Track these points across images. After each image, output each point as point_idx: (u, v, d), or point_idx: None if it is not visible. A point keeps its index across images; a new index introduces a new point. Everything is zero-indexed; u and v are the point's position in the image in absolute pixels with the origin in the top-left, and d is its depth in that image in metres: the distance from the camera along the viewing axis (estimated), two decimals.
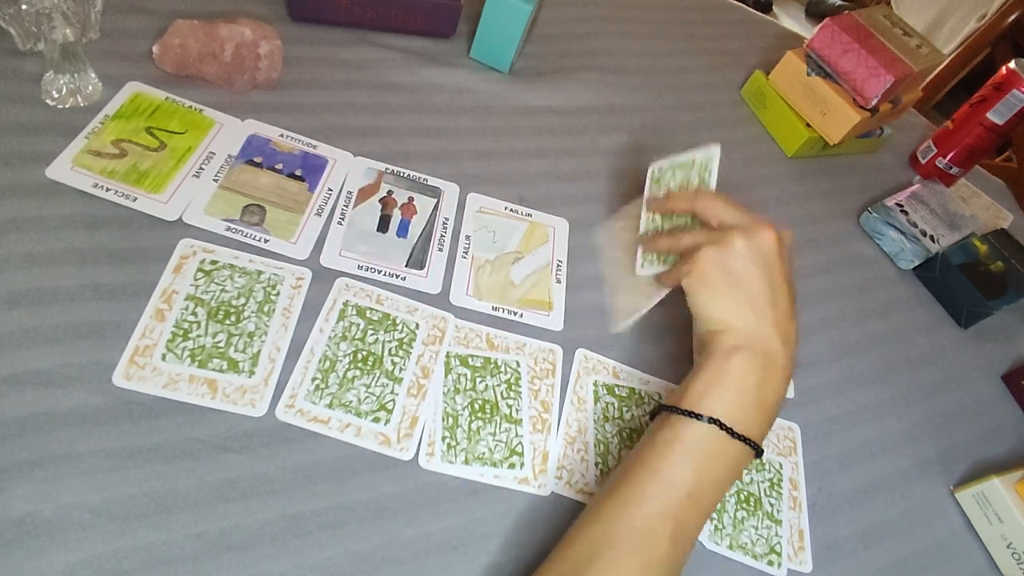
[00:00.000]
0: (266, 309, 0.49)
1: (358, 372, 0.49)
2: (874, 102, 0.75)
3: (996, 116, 0.79)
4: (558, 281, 0.60)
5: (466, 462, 0.48)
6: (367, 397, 0.48)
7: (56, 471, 0.39)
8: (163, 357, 0.45)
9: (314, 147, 0.60)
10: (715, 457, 0.42)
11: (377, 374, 0.49)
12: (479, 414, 0.50)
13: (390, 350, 0.51)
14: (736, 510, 0.52)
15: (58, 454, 0.40)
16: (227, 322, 0.48)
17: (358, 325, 0.51)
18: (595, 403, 0.54)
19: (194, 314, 0.48)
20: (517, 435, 0.50)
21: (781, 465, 0.56)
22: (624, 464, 0.44)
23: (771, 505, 0.53)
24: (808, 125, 0.79)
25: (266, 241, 0.53)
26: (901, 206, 0.77)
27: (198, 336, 0.47)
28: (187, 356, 0.46)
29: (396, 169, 0.61)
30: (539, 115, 0.72)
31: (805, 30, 2.35)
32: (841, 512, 0.55)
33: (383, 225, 0.57)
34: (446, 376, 0.51)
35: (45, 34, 0.50)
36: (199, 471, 0.42)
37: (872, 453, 0.60)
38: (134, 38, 0.60)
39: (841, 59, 0.75)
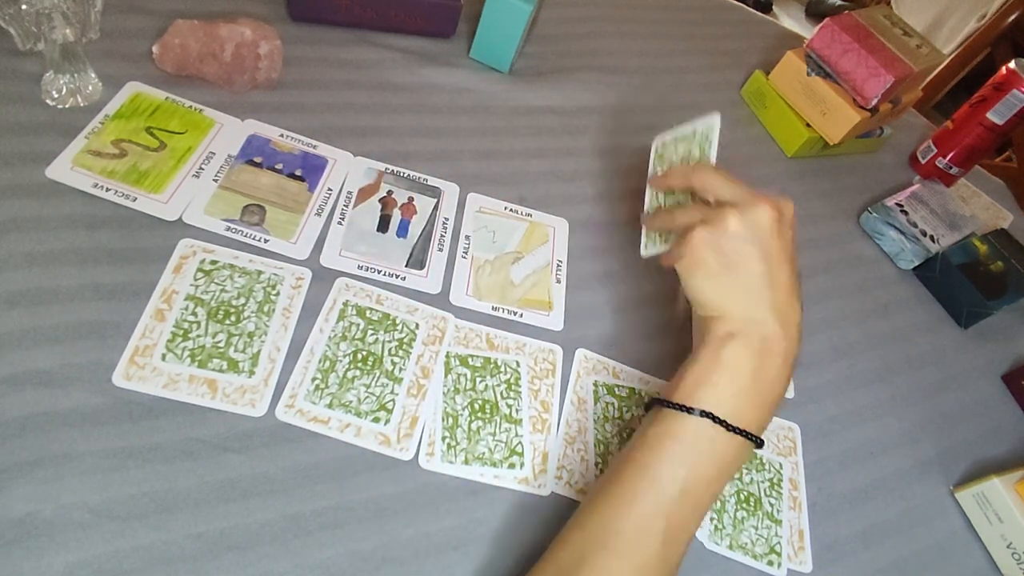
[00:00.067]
0: (266, 309, 0.49)
1: (358, 372, 0.49)
2: (874, 102, 0.75)
3: (996, 116, 0.79)
4: (558, 281, 0.60)
5: (466, 462, 0.48)
6: (367, 397, 0.48)
7: (56, 471, 0.39)
8: (163, 357, 0.45)
9: (314, 147, 0.60)
10: (709, 452, 0.41)
11: (377, 374, 0.49)
12: (479, 414, 0.50)
13: (390, 350, 0.51)
14: (736, 510, 0.52)
15: (58, 454, 0.40)
16: (227, 322, 0.48)
17: (358, 325, 0.51)
18: (595, 403, 0.54)
19: (194, 314, 0.48)
20: (517, 435, 0.50)
21: (781, 465, 0.56)
22: (616, 462, 0.43)
23: (771, 505, 0.53)
24: (808, 125, 0.79)
25: (266, 241, 0.53)
26: (901, 206, 0.77)
27: (198, 336, 0.47)
28: (187, 356, 0.46)
29: (396, 169, 0.61)
30: (539, 115, 0.72)
31: (805, 30, 2.35)
32: (841, 512, 0.55)
33: (383, 225, 0.57)
34: (446, 376, 0.51)
35: (45, 34, 0.50)
36: (199, 471, 0.42)
37: (872, 453, 0.60)
38: (134, 38, 0.60)
39: (841, 59, 0.75)
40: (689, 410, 0.41)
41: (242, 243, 0.52)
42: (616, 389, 0.55)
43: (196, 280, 0.49)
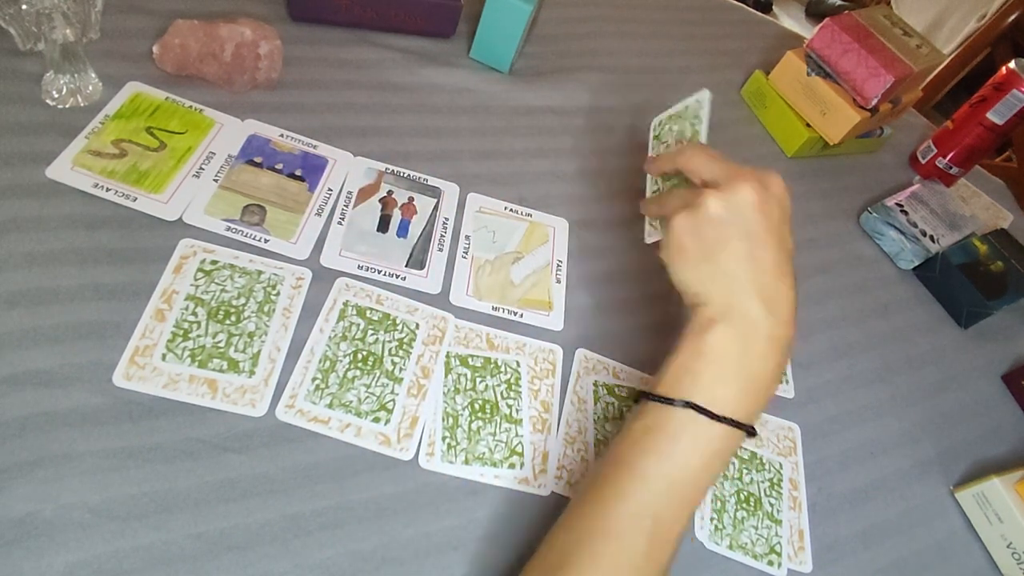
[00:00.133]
0: (266, 309, 0.49)
1: (358, 372, 0.49)
2: (874, 102, 0.75)
3: (996, 116, 0.79)
4: (558, 281, 0.60)
5: (466, 462, 0.48)
6: (367, 397, 0.48)
7: (56, 471, 0.39)
8: (163, 357, 0.45)
9: (314, 147, 0.60)
10: (695, 444, 0.39)
11: (377, 374, 0.49)
12: (479, 414, 0.50)
13: (390, 350, 0.51)
14: (736, 510, 0.52)
15: (58, 454, 0.40)
16: (227, 322, 0.48)
17: (358, 325, 0.51)
18: (595, 403, 0.54)
19: (194, 314, 0.48)
20: (517, 435, 0.50)
21: (781, 465, 0.56)
22: (601, 460, 0.42)
23: (771, 505, 0.53)
24: (808, 125, 0.79)
25: (266, 241, 0.53)
26: (901, 206, 0.77)
27: (198, 336, 0.47)
28: (187, 356, 0.46)
29: (396, 169, 0.61)
30: (539, 115, 0.72)
31: (805, 30, 2.35)
32: (841, 512, 0.55)
33: (383, 225, 0.57)
34: (446, 376, 0.51)
35: (45, 34, 0.50)
36: (199, 471, 0.42)
37: (872, 453, 0.60)
38: (134, 38, 0.60)
39: (841, 59, 0.75)
40: (671, 401, 0.40)
41: (242, 243, 0.52)
42: (616, 389, 0.55)
43: (196, 280, 0.49)
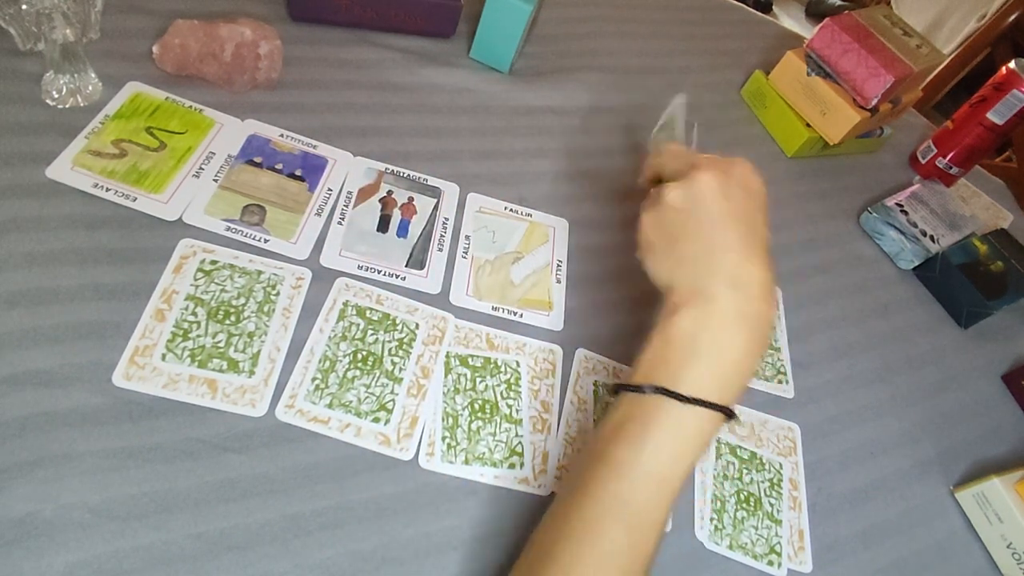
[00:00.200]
0: (266, 309, 0.49)
1: (358, 372, 0.49)
2: (874, 102, 0.75)
3: (996, 116, 0.79)
4: (558, 281, 0.60)
5: (466, 462, 0.48)
6: (367, 397, 0.48)
7: (56, 471, 0.39)
8: (163, 357, 0.45)
9: (314, 147, 0.60)
10: (668, 429, 0.38)
11: (377, 374, 0.49)
12: (479, 414, 0.50)
13: (390, 350, 0.51)
14: (736, 510, 0.52)
15: (58, 454, 0.40)
16: (227, 322, 0.48)
17: (358, 325, 0.51)
18: (595, 403, 0.54)
19: (194, 314, 0.48)
20: (517, 435, 0.50)
21: (781, 465, 0.56)
22: (580, 455, 0.42)
23: (771, 505, 0.53)
24: (808, 125, 0.79)
25: (266, 241, 0.53)
26: (901, 206, 0.77)
27: (198, 336, 0.47)
28: (187, 356, 0.46)
29: (396, 169, 0.61)
30: (539, 115, 0.72)
31: (805, 30, 2.35)
32: (841, 512, 0.55)
33: (383, 225, 0.57)
34: (446, 376, 0.51)
35: (45, 34, 0.50)
36: (199, 471, 0.42)
37: (872, 453, 0.60)
38: (134, 38, 0.60)
39: (841, 59, 0.75)
40: (642, 389, 0.39)
41: (242, 243, 0.52)
42: None
43: (196, 280, 0.49)
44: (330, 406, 0.47)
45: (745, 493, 0.53)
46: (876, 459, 0.60)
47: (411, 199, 0.60)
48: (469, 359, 0.52)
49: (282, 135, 0.59)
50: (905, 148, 0.90)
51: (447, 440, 0.48)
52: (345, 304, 0.52)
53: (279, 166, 0.57)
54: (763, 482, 0.54)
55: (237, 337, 0.48)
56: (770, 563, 0.50)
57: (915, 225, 0.76)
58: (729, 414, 0.39)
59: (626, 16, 0.90)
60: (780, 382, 0.61)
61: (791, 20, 2.69)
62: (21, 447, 0.39)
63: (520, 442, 0.50)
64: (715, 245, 0.41)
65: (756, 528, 0.52)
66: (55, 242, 0.47)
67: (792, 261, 0.71)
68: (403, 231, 0.58)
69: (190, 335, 0.47)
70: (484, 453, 0.49)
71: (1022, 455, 0.65)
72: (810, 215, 0.77)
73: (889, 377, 0.66)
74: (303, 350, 0.49)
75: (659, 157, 0.48)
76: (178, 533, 0.40)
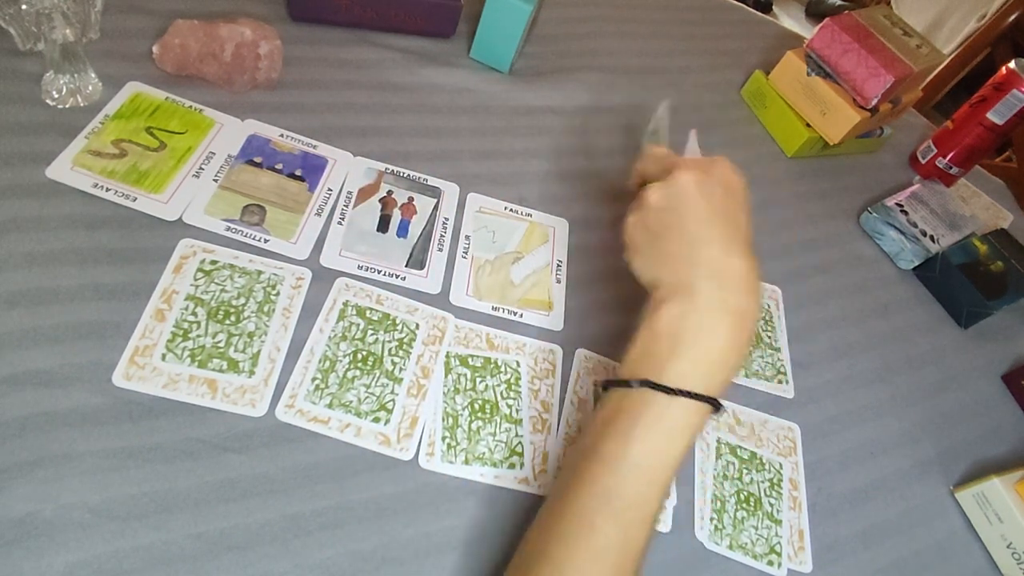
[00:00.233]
0: (266, 309, 0.49)
1: (358, 372, 0.49)
2: (874, 102, 0.75)
3: (996, 116, 0.79)
4: (558, 281, 0.60)
5: (466, 462, 0.48)
6: (367, 397, 0.48)
7: (56, 471, 0.39)
8: (163, 357, 0.45)
9: (314, 147, 0.60)
10: (655, 422, 0.39)
11: (377, 374, 0.49)
12: (479, 414, 0.50)
13: (390, 350, 0.51)
14: (736, 510, 0.52)
15: (58, 454, 0.40)
16: (227, 322, 0.48)
17: (358, 325, 0.51)
18: (595, 403, 0.54)
19: (194, 314, 0.48)
20: (517, 435, 0.50)
21: (781, 465, 0.56)
22: (570, 452, 0.42)
23: (771, 505, 0.53)
24: (808, 125, 0.79)
25: (266, 241, 0.53)
26: (901, 206, 0.77)
27: (198, 336, 0.47)
28: (187, 356, 0.46)
29: (396, 169, 0.61)
30: (539, 115, 0.72)
31: (805, 30, 2.35)
32: (841, 512, 0.55)
33: (383, 225, 0.57)
34: (446, 376, 0.51)
35: (45, 34, 0.50)
36: (199, 471, 0.42)
37: (872, 453, 0.60)
38: (134, 38, 0.60)
39: (841, 59, 0.75)
40: (629, 384, 0.40)
41: (242, 243, 0.52)
42: None
43: (196, 280, 0.49)
44: (330, 406, 0.47)
45: (745, 493, 0.53)
46: (876, 459, 0.60)
47: (411, 199, 0.60)
48: (469, 359, 0.52)
49: (282, 135, 0.59)
50: (905, 148, 0.90)
51: (447, 440, 0.48)
52: (345, 304, 0.52)
53: (279, 166, 0.57)
54: (763, 482, 0.54)
55: (237, 337, 0.48)
56: (770, 563, 0.50)
57: (915, 225, 0.76)
58: (716, 405, 0.40)
59: (626, 16, 0.90)
60: (780, 382, 0.61)
61: (791, 20, 2.69)
62: (21, 447, 0.39)
63: (520, 442, 0.50)
64: (696, 241, 0.42)
65: (756, 528, 0.52)
66: (55, 242, 0.47)
67: (792, 261, 0.71)
68: (403, 231, 0.58)
69: (190, 335, 0.47)
70: (484, 453, 0.49)
71: (1022, 455, 0.65)
72: (810, 215, 0.77)
73: (889, 377, 0.66)
74: (303, 350, 0.49)
75: (643, 161, 0.49)
76: (178, 533, 0.40)
